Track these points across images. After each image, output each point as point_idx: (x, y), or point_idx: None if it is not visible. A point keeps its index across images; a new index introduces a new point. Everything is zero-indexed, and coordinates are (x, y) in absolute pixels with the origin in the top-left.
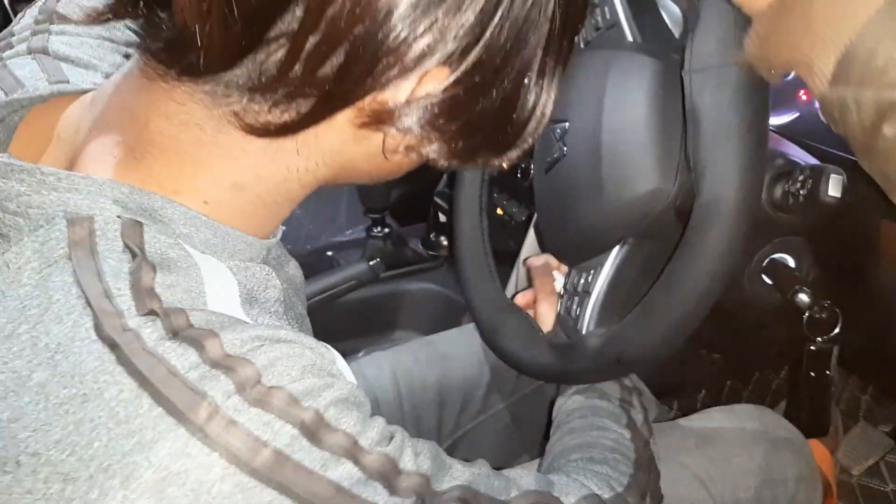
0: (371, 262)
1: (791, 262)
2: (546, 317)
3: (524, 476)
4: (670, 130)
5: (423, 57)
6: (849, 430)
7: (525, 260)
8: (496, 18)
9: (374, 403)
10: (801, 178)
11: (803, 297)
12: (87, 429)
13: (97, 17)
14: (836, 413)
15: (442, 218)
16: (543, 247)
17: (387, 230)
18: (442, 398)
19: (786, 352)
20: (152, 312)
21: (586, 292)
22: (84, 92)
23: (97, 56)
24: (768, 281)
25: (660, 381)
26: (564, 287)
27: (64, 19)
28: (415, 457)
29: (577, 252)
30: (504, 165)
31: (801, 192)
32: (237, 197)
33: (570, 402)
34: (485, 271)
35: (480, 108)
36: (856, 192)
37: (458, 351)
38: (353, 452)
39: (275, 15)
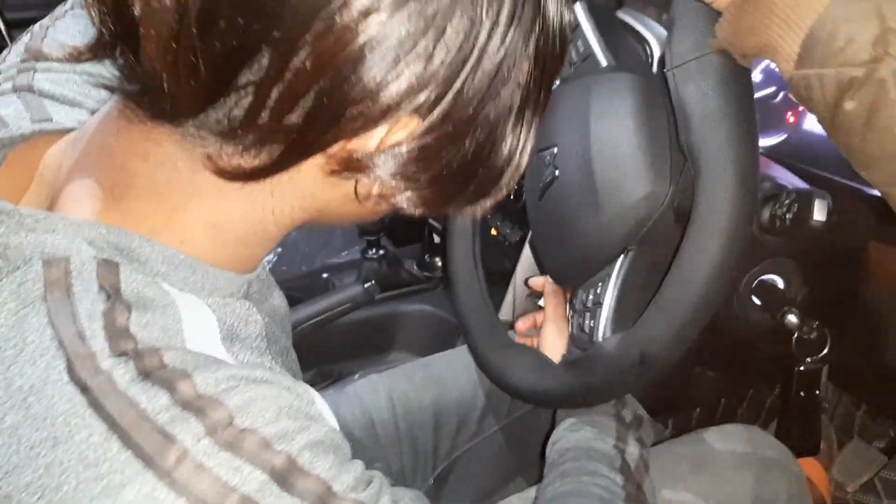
0: (366, 285)
1: (780, 284)
2: (553, 342)
3: None
4: (657, 135)
5: (390, 108)
6: (843, 446)
7: (527, 280)
8: (466, 69)
9: (370, 425)
10: (787, 201)
11: (792, 318)
12: (56, 472)
13: (78, 57)
14: (831, 429)
15: (437, 239)
16: (543, 271)
17: (382, 252)
18: (438, 420)
19: (777, 370)
20: (125, 353)
21: (597, 304)
22: (67, 130)
23: (82, 92)
24: (758, 302)
25: (655, 399)
26: (573, 307)
27: (48, 57)
28: None
29: (581, 271)
30: (477, 213)
31: (788, 215)
32: (214, 236)
33: (564, 439)
34: (480, 304)
35: (453, 158)
36: (843, 214)
37: (453, 373)
38: (325, 499)
39: (240, 64)
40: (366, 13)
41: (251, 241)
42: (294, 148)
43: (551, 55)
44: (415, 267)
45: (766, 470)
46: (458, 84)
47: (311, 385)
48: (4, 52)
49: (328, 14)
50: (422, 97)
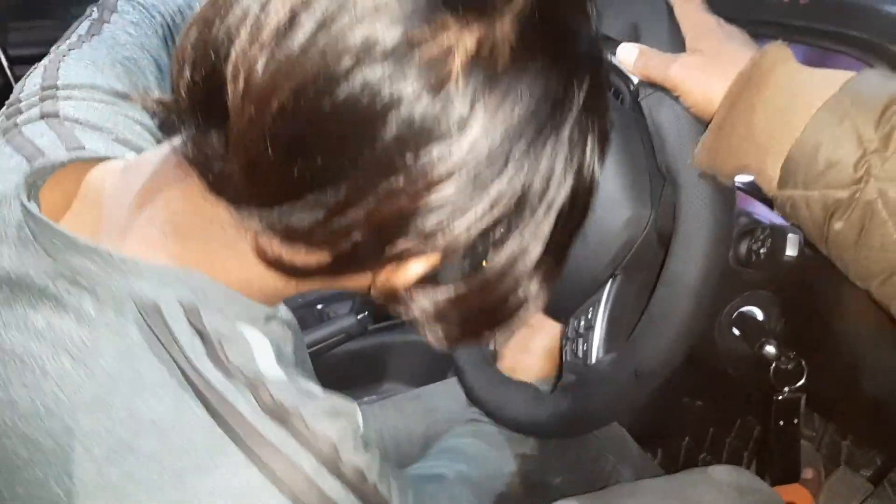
0: (359, 316)
1: (759, 315)
2: (525, 359)
3: None
4: (635, 162)
5: (436, 250)
6: (830, 474)
7: None
8: (515, 230)
9: None
10: (762, 236)
11: (770, 349)
12: (205, 496)
13: (152, 108)
14: (818, 458)
15: None
16: None
17: None
18: (428, 452)
19: (763, 400)
20: (240, 382)
21: (589, 328)
22: (100, 158)
23: (104, 118)
24: (738, 333)
25: (644, 429)
26: (565, 336)
27: (68, 85)
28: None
29: (570, 303)
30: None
31: (763, 250)
32: (244, 288)
33: None
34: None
35: (483, 304)
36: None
37: (443, 404)
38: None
39: (312, 188)
40: (437, 182)
41: (273, 296)
42: (338, 263)
43: (580, 209)
44: None
45: None
46: (502, 240)
47: None
48: (19, 83)
49: (406, 173)
50: (467, 248)
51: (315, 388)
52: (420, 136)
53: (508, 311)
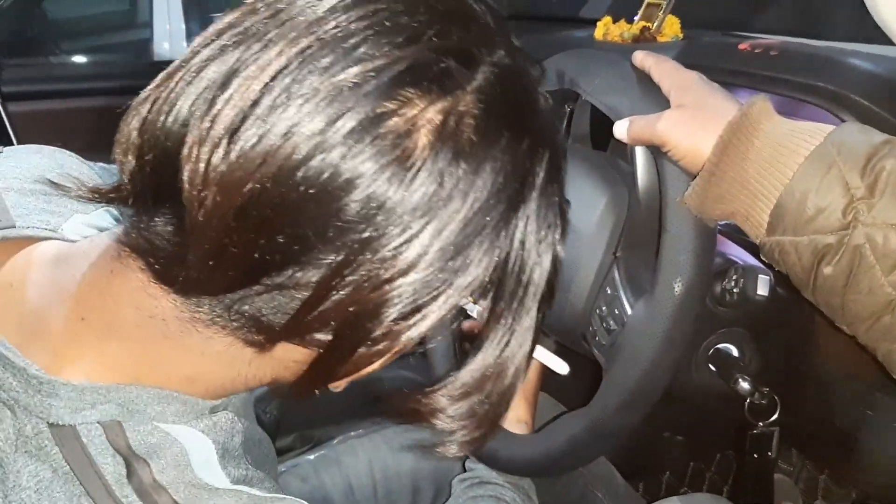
0: None
1: (734, 352)
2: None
3: None
4: (596, 157)
5: (397, 341)
6: None
7: None
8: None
9: (349, 490)
10: (734, 277)
11: (744, 385)
12: None
13: (95, 197)
14: (797, 492)
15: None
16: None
17: None
18: (416, 485)
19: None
20: None
21: (615, 296)
22: (28, 238)
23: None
24: (714, 369)
25: (627, 463)
26: (590, 332)
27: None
28: None
29: (584, 304)
30: None
31: (735, 289)
32: (188, 387)
33: None
34: None
35: (494, 385)
36: (790, 290)
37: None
38: None
39: (272, 270)
40: (411, 262)
41: (220, 393)
42: (292, 341)
43: (551, 284)
44: None
45: None
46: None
47: (292, 449)
48: None
49: (374, 251)
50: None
51: (261, 481)
52: (388, 211)
53: (514, 391)
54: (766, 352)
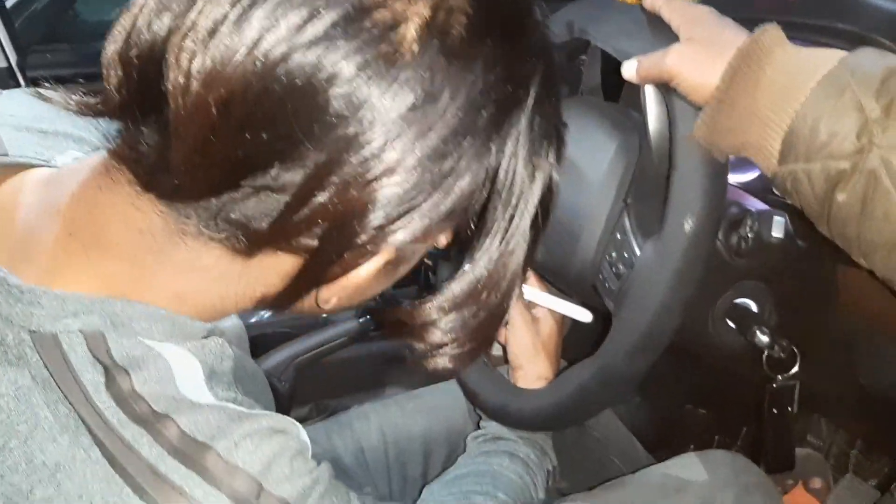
0: (361, 320)
1: (753, 307)
2: (520, 345)
3: None
4: (607, 106)
5: (385, 244)
6: (837, 482)
7: None
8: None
9: (360, 453)
10: (749, 223)
11: (762, 337)
12: None
13: (85, 109)
14: (827, 467)
15: (433, 280)
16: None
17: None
18: (427, 448)
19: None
20: (142, 420)
21: (624, 238)
22: (21, 165)
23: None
24: (732, 325)
25: (649, 436)
26: (601, 280)
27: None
28: None
29: (596, 249)
30: None
31: (750, 235)
32: (176, 305)
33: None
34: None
35: (482, 303)
36: (810, 240)
37: (443, 403)
38: None
39: (257, 169)
40: (390, 171)
41: (210, 313)
42: (282, 249)
43: (546, 207)
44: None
45: (746, 494)
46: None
47: (307, 419)
48: None
49: (358, 150)
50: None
51: (251, 407)
52: (372, 107)
53: (506, 307)
54: (784, 305)
